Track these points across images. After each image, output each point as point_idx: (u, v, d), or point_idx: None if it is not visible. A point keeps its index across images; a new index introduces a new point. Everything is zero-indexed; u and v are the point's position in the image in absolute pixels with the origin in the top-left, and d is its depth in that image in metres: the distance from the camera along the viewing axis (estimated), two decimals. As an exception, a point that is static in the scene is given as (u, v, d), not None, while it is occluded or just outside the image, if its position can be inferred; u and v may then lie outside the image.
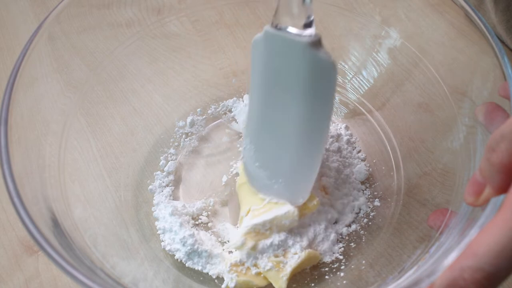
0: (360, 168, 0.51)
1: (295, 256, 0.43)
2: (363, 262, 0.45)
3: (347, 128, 0.54)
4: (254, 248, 0.43)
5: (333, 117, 0.56)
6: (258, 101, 0.41)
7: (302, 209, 0.45)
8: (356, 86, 0.55)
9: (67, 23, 0.48)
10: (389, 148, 0.52)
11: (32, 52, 0.42)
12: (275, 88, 0.39)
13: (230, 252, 0.46)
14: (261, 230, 0.44)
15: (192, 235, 0.45)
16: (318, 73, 0.37)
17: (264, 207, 0.45)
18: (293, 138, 0.41)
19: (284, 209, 0.44)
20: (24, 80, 0.41)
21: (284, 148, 0.42)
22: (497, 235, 0.25)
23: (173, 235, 0.46)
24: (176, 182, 0.52)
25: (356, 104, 0.55)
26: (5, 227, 0.50)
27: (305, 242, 0.44)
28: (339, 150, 0.52)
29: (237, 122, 0.56)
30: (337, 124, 0.55)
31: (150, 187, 0.51)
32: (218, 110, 0.57)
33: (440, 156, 0.48)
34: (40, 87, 0.45)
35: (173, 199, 0.51)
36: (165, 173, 0.52)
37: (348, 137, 0.53)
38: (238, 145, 0.54)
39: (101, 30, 0.52)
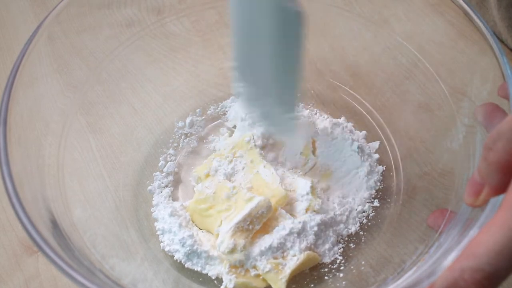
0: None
1: (294, 258, 0.43)
2: (363, 262, 0.45)
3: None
4: (245, 247, 0.43)
5: (335, 117, 0.56)
6: (237, 43, 0.42)
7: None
8: (356, 86, 0.55)
9: (67, 23, 0.48)
10: (388, 148, 0.52)
11: (32, 52, 0.42)
12: (250, 31, 0.40)
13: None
14: (244, 226, 0.44)
15: (191, 236, 0.45)
16: (286, 21, 0.38)
17: (235, 210, 0.45)
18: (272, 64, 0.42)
19: (255, 201, 0.44)
20: (24, 80, 0.41)
21: (266, 73, 0.43)
22: (496, 235, 0.25)
23: (172, 235, 0.46)
24: (175, 183, 0.52)
25: (356, 104, 0.55)
26: (5, 227, 0.50)
27: (304, 244, 0.44)
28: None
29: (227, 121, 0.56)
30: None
31: (149, 187, 0.51)
32: (217, 110, 0.57)
33: (440, 156, 0.48)
34: (40, 87, 0.45)
35: (172, 200, 0.51)
36: (164, 173, 0.52)
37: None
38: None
39: (101, 30, 0.52)
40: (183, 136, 0.55)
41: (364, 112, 0.54)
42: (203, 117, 0.56)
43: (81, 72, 0.50)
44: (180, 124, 0.55)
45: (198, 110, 0.56)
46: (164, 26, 0.55)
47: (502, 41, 0.61)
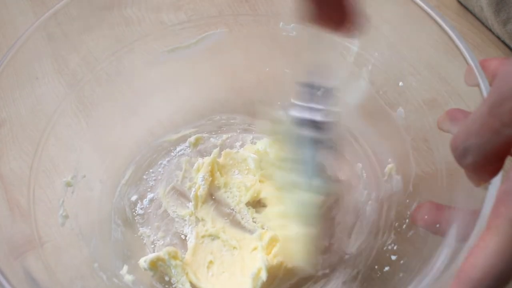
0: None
1: None
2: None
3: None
4: None
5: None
6: None
7: None
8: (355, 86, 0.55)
9: (67, 23, 0.48)
10: (388, 148, 0.51)
11: (26, 47, 0.42)
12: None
13: None
14: None
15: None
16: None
17: None
18: None
19: None
20: (22, 79, 0.41)
21: None
22: (492, 260, 0.25)
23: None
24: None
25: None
26: None
27: None
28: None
29: None
30: None
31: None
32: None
33: (442, 156, 0.48)
34: (41, 86, 0.45)
35: None
36: None
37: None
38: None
39: (101, 30, 0.52)
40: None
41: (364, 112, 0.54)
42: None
43: (81, 72, 0.50)
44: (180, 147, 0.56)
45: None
46: (163, 25, 0.55)
47: (489, 28, 0.61)
